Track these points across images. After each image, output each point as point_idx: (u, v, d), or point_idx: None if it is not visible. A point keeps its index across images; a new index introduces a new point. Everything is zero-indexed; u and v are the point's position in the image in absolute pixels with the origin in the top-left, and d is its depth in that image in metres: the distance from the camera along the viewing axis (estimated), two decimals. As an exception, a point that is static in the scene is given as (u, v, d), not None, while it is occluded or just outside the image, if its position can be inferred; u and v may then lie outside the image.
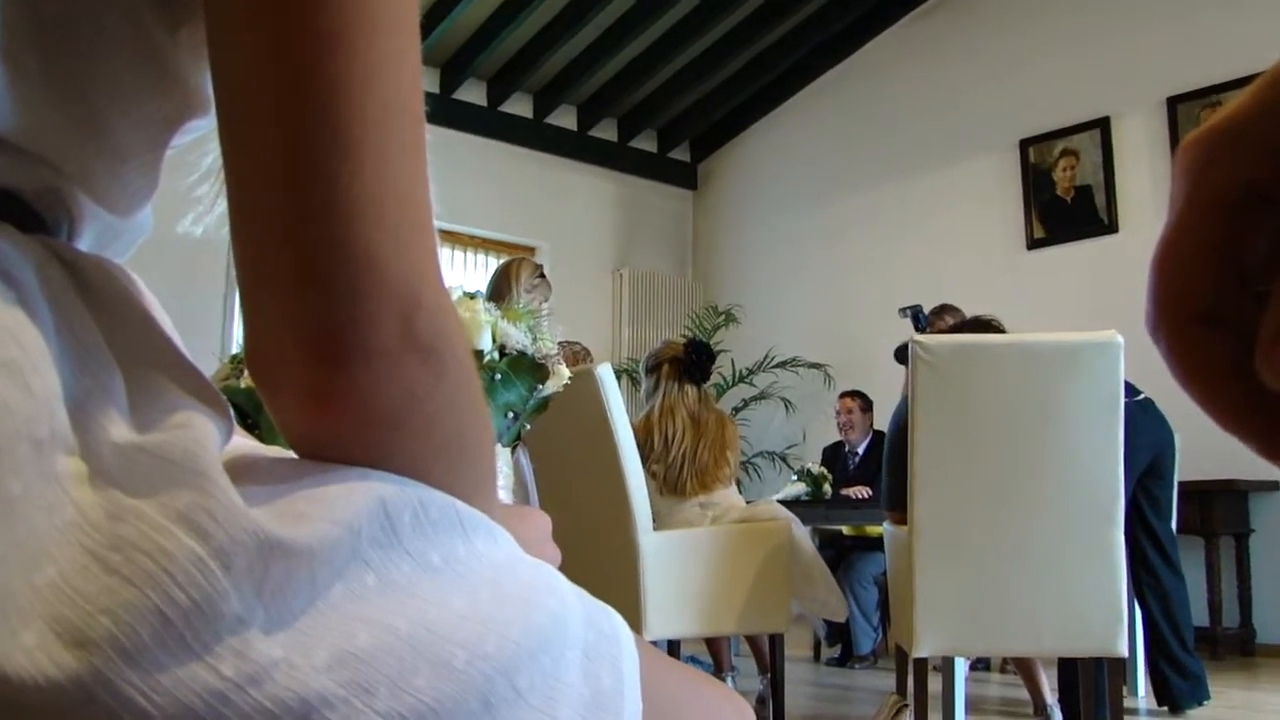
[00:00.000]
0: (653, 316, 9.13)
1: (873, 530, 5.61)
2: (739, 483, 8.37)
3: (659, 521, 3.75)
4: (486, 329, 1.01)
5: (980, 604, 3.03)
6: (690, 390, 4.02)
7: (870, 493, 5.67)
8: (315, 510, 0.50)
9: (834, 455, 6.54)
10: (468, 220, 8.14)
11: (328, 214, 0.50)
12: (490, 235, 8.34)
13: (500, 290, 4.35)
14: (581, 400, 3.51)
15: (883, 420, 6.02)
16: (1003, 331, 3.53)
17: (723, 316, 8.86)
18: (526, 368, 1.05)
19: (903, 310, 5.23)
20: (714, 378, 8.70)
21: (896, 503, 3.40)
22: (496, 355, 1.05)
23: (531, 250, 8.63)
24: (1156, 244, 0.40)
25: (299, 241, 0.51)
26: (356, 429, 0.53)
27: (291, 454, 0.56)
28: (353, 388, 0.52)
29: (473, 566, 0.54)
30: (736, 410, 8.64)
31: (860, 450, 6.39)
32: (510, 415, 1.04)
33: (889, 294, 7.57)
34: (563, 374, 1.12)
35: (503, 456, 1.02)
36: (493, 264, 8.31)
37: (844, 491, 5.87)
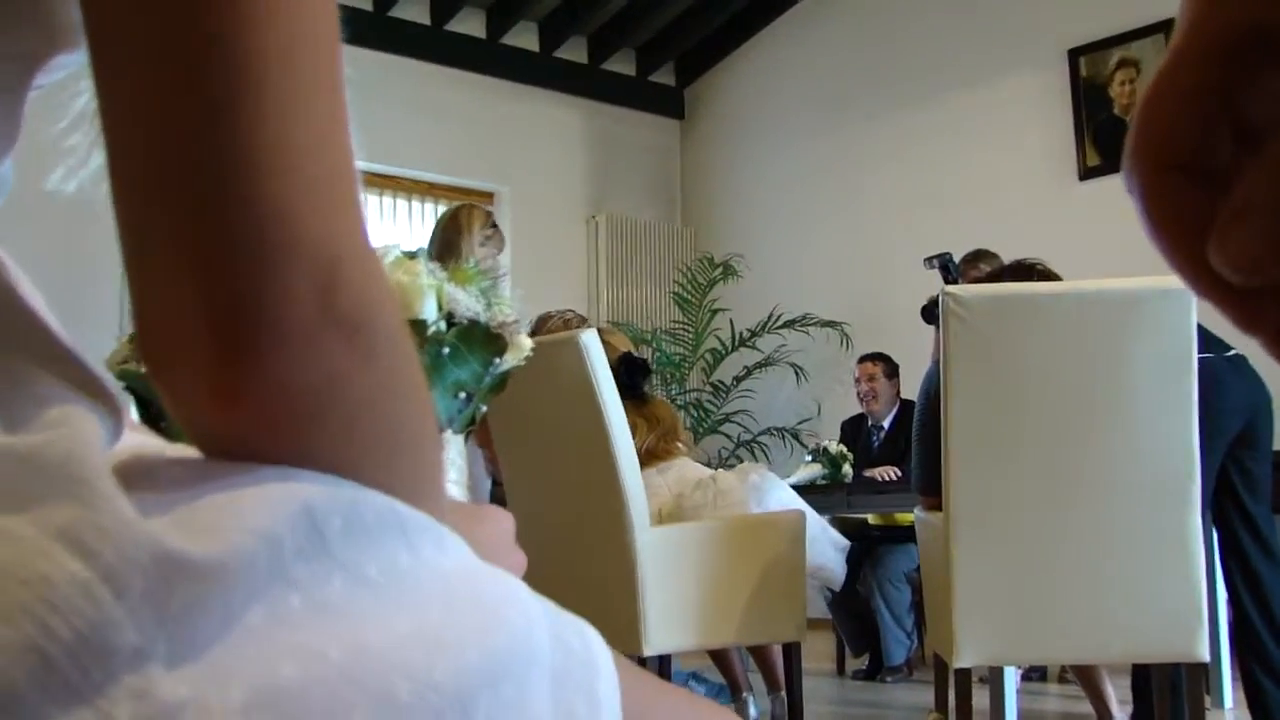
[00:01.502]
0: (635, 271, 9.15)
1: (904, 518, 5.63)
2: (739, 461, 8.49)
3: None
4: (430, 294, 1.01)
5: (1032, 603, 3.05)
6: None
7: (899, 474, 5.71)
8: (226, 520, 0.49)
9: (855, 431, 6.57)
10: (409, 162, 8.12)
11: (226, 166, 0.50)
12: (437, 179, 8.33)
13: (449, 245, 4.38)
14: (562, 373, 3.54)
15: (911, 388, 6.03)
16: (1051, 278, 3.54)
17: (719, 269, 8.88)
18: (480, 339, 1.04)
19: (929, 260, 5.25)
20: (711, 342, 8.74)
21: (929, 485, 3.42)
22: (444, 325, 1.05)
23: (488, 196, 8.62)
24: (1148, 83, 0.42)
25: (191, 201, 0.50)
26: (271, 422, 0.53)
27: (197, 453, 0.56)
28: (264, 374, 0.52)
29: (418, 579, 0.54)
30: (738, 379, 8.69)
31: (886, 424, 6.42)
32: (462, 396, 1.04)
33: (915, 239, 7.58)
34: (523, 345, 1.12)
35: (454, 445, 1.02)
36: (441, 213, 8.30)
37: (868, 473, 5.91)
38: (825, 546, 4.25)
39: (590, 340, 3.50)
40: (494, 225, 4.54)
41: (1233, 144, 0.42)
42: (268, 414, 0.52)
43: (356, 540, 0.53)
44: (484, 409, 1.12)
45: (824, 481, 5.78)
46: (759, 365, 8.69)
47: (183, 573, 0.46)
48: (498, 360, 1.09)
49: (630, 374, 4.13)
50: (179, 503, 0.50)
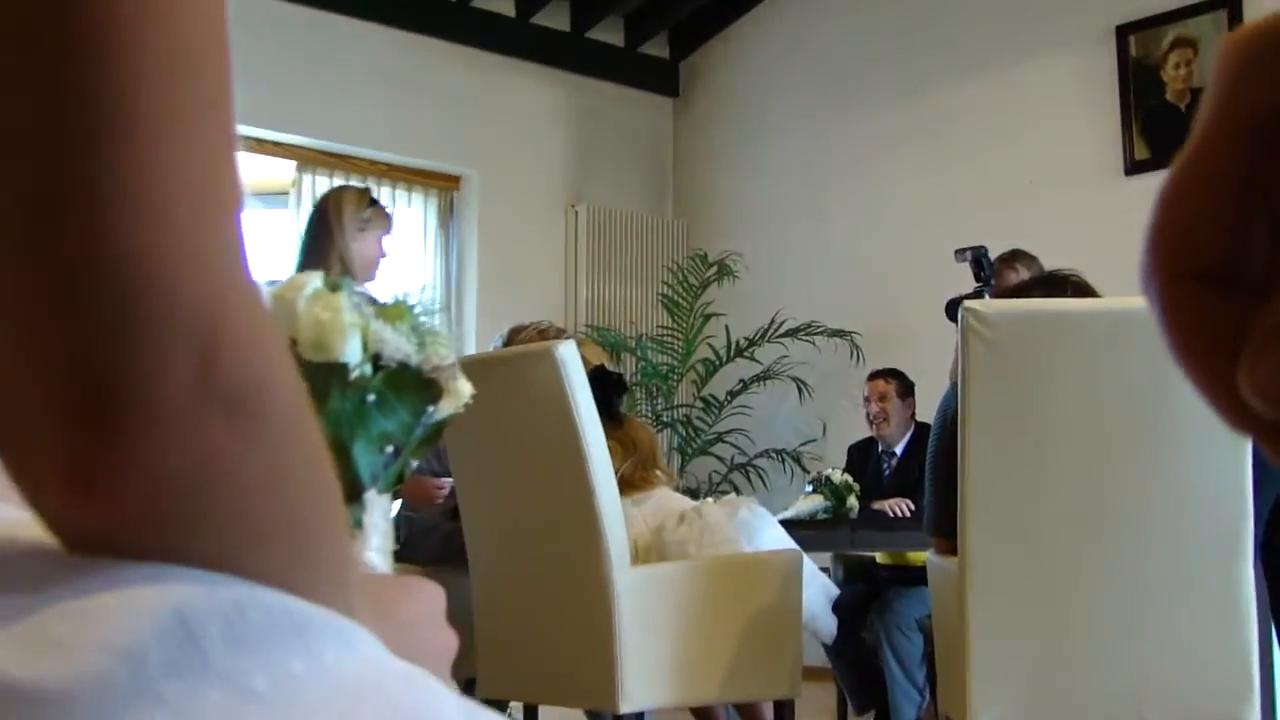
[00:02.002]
0: (620, 269, 9.17)
1: (916, 558, 5.61)
2: (735, 490, 8.49)
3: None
4: (354, 334, 0.99)
5: (1057, 662, 3.04)
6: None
7: (912, 508, 5.70)
8: (78, 633, 0.48)
9: (863, 457, 6.57)
10: (364, 140, 8.12)
11: (83, 210, 0.48)
12: (395, 160, 8.33)
13: (319, 241, 4.45)
14: (534, 390, 3.57)
15: (928, 410, 6.03)
16: (1087, 292, 3.53)
17: (714, 269, 8.89)
18: (410, 385, 1.03)
19: (961, 252, 5.25)
20: (703, 351, 8.75)
21: (942, 525, 3.41)
22: (369, 369, 1.04)
23: (453, 180, 8.63)
24: (1168, 173, 0.41)
25: (43, 250, 0.49)
26: (139, 515, 0.52)
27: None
28: (130, 460, 0.50)
29: (316, 689, 0.53)
30: (733, 394, 8.70)
31: (898, 450, 6.42)
32: (389, 450, 1.03)
33: (937, 239, 7.58)
34: (461, 391, 1.10)
35: (378, 507, 1.01)
36: (402, 201, 8.31)
37: (876, 506, 5.90)
38: (816, 594, 4.23)
39: (567, 353, 3.52)
40: (373, 203, 4.58)
41: (1271, 242, 0.40)
42: (135, 506, 0.51)
43: (241, 648, 0.51)
44: (414, 465, 1.10)
45: (826, 515, 5.77)
46: (757, 379, 8.71)
47: (19, 703, 0.45)
48: (431, 409, 1.07)
49: (604, 390, 4.13)
50: (23, 612, 0.49)
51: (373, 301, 1.09)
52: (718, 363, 8.80)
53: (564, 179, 9.17)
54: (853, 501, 5.87)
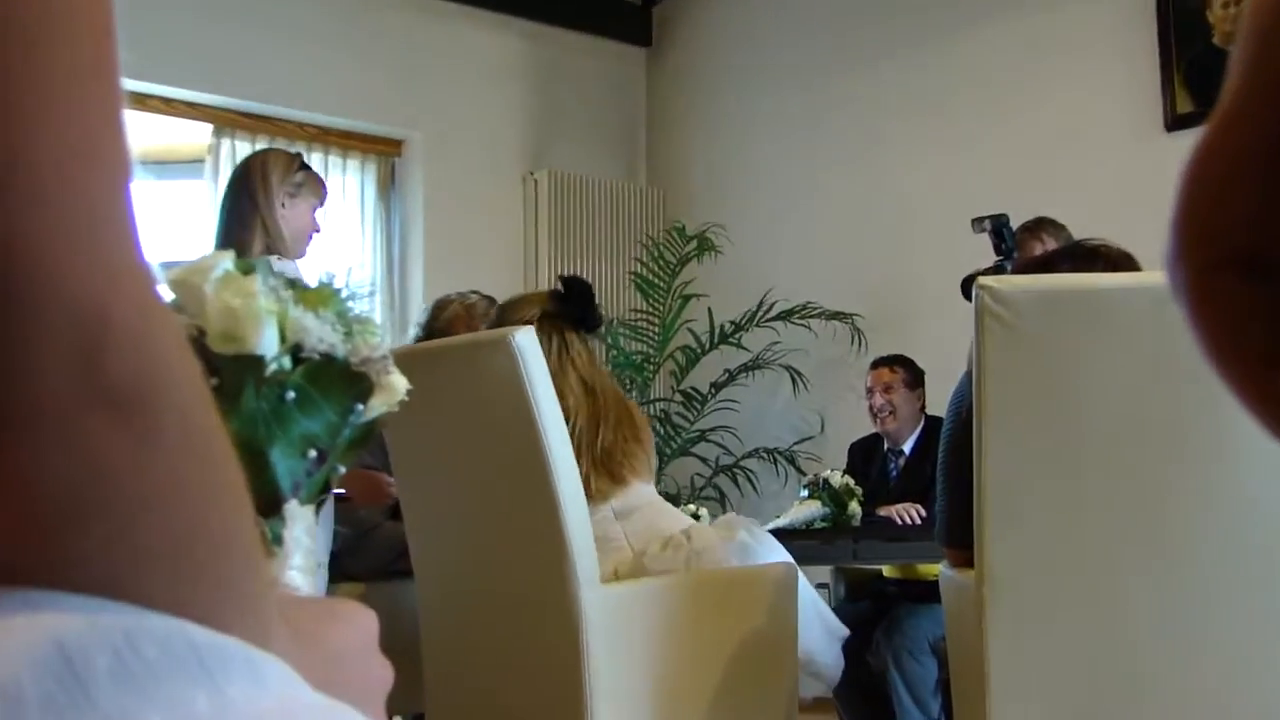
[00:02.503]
0: (586, 245, 9.18)
1: (928, 571, 5.65)
2: (720, 495, 8.48)
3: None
4: (270, 322, 0.98)
5: (1090, 695, 3.05)
6: (579, 347, 4.18)
7: (923, 514, 5.72)
8: (-58, 672, 0.48)
9: (867, 456, 6.60)
10: (290, 100, 8.10)
11: None
12: (330, 123, 8.31)
13: (241, 210, 4.47)
14: (488, 385, 3.60)
15: (940, 401, 6.06)
16: (1123, 265, 3.53)
17: (694, 243, 8.90)
18: (337, 379, 1.03)
19: (979, 222, 5.25)
20: (684, 337, 8.75)
21: (957, 534, 3.41)
22: (288, 362, 1.03)
23: (394, 145, 8.62)
24: (1193, 147, 0.41)
25: None
26: (14, 532, 0.51)
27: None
28: (4, 470, 0.51)
29: None
30: (717, 386, 8.71)
31: (906, 449, 6.46)
32: (312, 455, 1.02)
33: (950, 206, 7.61)
34: (395, 386, 1.10)
35: (300, 521, 1.00)
36: (336, 169, 8.28)
37: (882, 513, 5.92)
38: (816, 630, 4.22)
39: (525, 342, 3.52)
40: (304, 168, 4.59)
41: None
42: (9, 521, 0.51)
43: (131, 684, 0.52)
44: (341, 471, 1.10)
45: (824, 523, 5.78)
46: (745, 368, 8.73)
47: None
48: (360, 407, 1.07)
49: (573, 291, 4.20)
50: None
51: (294, 284, 1.08)
52: (699, 350, 8.82)
53: (521, 142, 9.18)
54: (855, 507, 5.89)
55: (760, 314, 8.62)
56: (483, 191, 8.91)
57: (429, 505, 4.04)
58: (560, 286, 4.21)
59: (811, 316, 8.47)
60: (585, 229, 9.22)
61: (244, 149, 7.62)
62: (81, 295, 0.50)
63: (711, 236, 8.86)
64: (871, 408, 6.56)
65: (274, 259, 4.21)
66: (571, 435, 3.84)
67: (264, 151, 4.86)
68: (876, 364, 6.65)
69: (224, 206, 4.63)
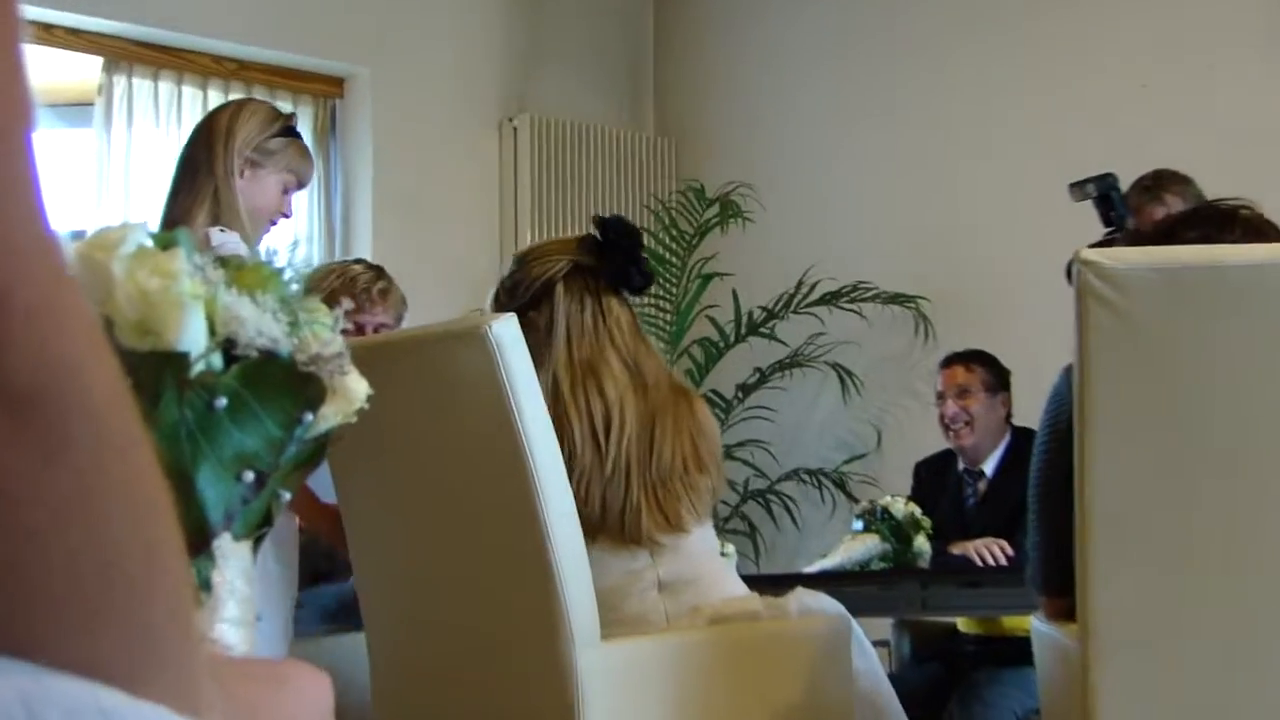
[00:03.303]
0: (579, 208, 9.17)
1: (1016, 625, 5.63)
2: (750, 528, 8.48)
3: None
4: (196, 310, 0.98)
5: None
6: (619, 314, 4.07)
7: (1010, 552, 5.71)
8: None
9: (936, 478, 6.60)
10: (206, 27, 8.08)
11: None
12: (253, 56, 8.29)
13: (191, 169, 4.40)
14: (458, 388, 3.60)
15: (1029, 409, 6.05)
16: (1266, 233, 3.51)
17: (715, 208, 8.92)
18: (279, 382, 1.02)
19: (1078, 186, 5.24)
20: (702, 327, 8.75)
21: (1053, 579, 3.41)
22: (218, 361, 1.03)
23: (334, 84, 8.60)
24: None
25: None
26: None
27: None
28: None
29: None
30: (746, 389, 8.72)
31: (988, 468, 6.44)
32: (249, 477, 1.02)
33: (1042, 154, 7.61)
34: (353, 391, 1.09)
35: (234, 562, 0.99)
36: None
37: (957, 549, 5.91)
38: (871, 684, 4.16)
39: (505, 333, 3.49)
40: (288, 132, 4.53)
41: None
42: None
43: None
44: (285, 497, 1.10)
45: (884, 564, 5.76)
46: (781, 366, 8.76)
47: None
48: (309, 416, 1.06)
49: (617, 235, 4.06)
50: None
51: (226, 263, 1.07)
52: (723, 344, 8.83)
53: (497, 80, 9.18)
54: (922, 543, 5.87)
55: (800, 297, 8.64)
56: (447, 142, 8.90)
57: (381, 542, 4.03)
58: (595, 231, 4.10)
59: (864, 300, 8.48)
60: (577, 189, 9.22)
61: (143, 88, 7.64)
62: None
63: (738, 199, 8.88)
64: (942, 417, 6.53)
65: (216, 230, 4.14)
66: (612, 445, 3.80)
67: (242, 101, 4.80)
68: (949, 361, 6.62)
69: (176, 165, 4.56)
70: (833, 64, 8.93)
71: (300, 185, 4.60)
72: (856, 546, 5.88)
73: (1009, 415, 6.49)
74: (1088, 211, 5.21)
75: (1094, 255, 3.01)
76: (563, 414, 3.92)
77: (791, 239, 8.83)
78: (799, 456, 8.76)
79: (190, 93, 8.12)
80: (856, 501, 7.69)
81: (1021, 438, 6.28)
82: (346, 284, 5.04)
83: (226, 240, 4.09)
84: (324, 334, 1.09)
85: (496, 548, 3.62)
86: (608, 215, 4.14)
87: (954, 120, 8.40)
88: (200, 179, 4.39)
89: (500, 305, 4.11)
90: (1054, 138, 7.76)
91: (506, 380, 3.49)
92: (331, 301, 4.41)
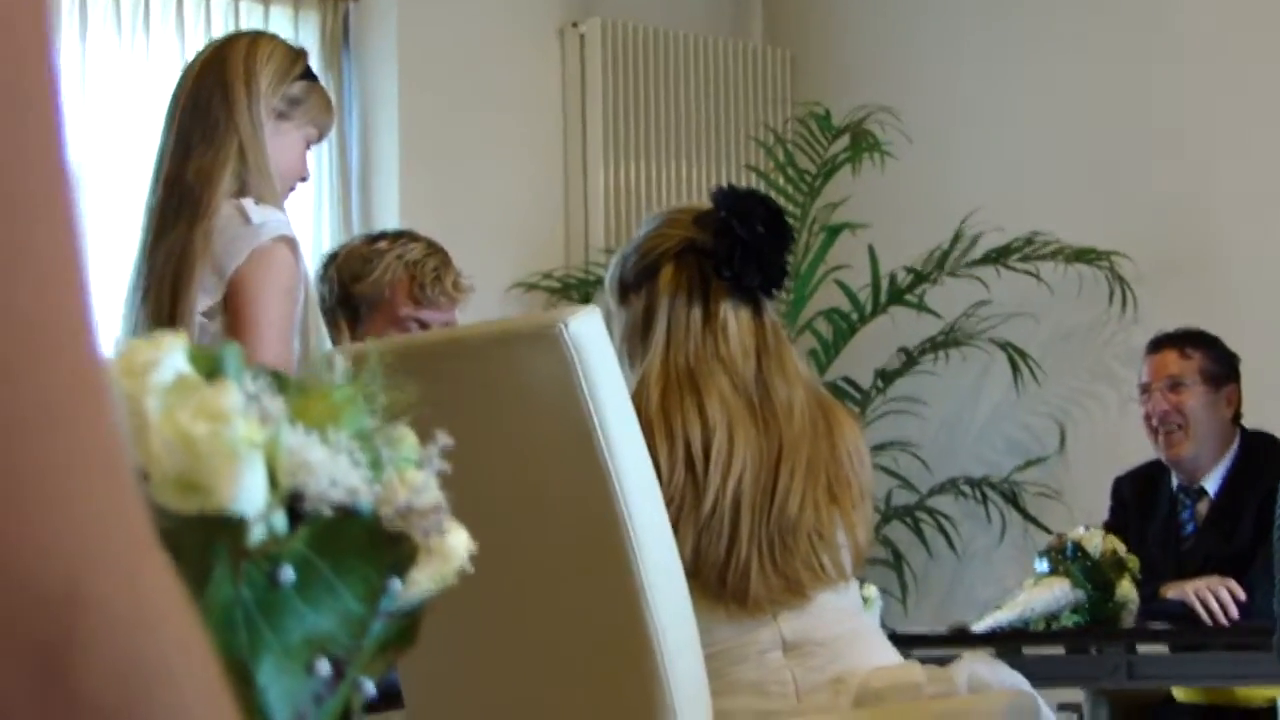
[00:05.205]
0: (663, 137, 9.23)
1: (1253, 696, 5.64)
2: (895, 556, 8.49)
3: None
4: (254, 461, 0.97)
5: None
6: (729, 319, 4.05)
7: (1241, 598, 5.69)
8: None
9: (1143, 497, 6.58)
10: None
11: None
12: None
13: (208, 116, 4.38)
14: (529, 402, 3.61)
15: (1264, 408, 6.04)
16: None
17: (844, 138, 8.92)
18: (359, 544, 1.02)
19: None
20: (829, 294, 8.76)
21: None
22: (282, 522, 1.02)
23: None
24: None
25: None
26: None
27: None
28: None
29: None
30: (887, 376, 8.76)
31: (1211, 485, 6.41)
32: (322, 667, 1.02)
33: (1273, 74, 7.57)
34: (453, 550, 1.09)
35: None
36: (255, 20, 8.29)
37: (1170, 593, 5.90)
38: None
39: (586, 331, 3.48)
40: (308, 75, 4.53)
41: None
42: None
43: None
44: (369, 689, 1.10)
45: (1077, 617, 5.75)
46: (933, 346, 8.79)
47: None
48: (396, 584, 1.06)
49: (741, 219, 4.01)
50: None
51: (283, 383, 1.06)
52: (856, 316, 8.86)
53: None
54: (1128, 590, 5.84)
55: (957, 255, 8.65)
56: (494, 53, 8.95)
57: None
58: (722, 200, 4.06)
59: (1042, 258, 8.49)
60: (663, 114, 9.27)
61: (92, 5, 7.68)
62: (41, 572, 0.52)
63: (874, 129, 8.86)
64: (1149, 418, 6.51)
65: (250, 204, 4.14)
66: (712, 479, 3.79)
67: (252, 34, 4.81)
68: (1157, 345, 6.59)
69: (175, 111, 4.51)
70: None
71: (320, 139, 4.62)
72: (1041, 594, 5.86)
73: (1237, 415, 6.47)
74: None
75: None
76: (649, 430, 3.92)
77: (946, 179, 8.86)
78: (957, 462, 8.79)
79: (155, 8, 8.17)
80: (1034, 523, 7.70)
81: (1255, 445, 6.28)
82: (410, 269, 5.06)
83: (269, 219, 4.11)
84: (415, 477, 1.08)
85: (575, 610, 3.63)
86: (729, 186, 4.11)
87: (1169, 27, 8.37)
88: (220, 133, 4.34)
89: (620, 274, 4.13)
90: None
91: (587, 392, 3.48)
92: (393, 294, 4.38)
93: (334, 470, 1.03)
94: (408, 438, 1.13)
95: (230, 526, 0.99)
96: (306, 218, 7.81)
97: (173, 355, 1.02)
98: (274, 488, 1.02)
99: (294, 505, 1.03)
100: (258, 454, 1.00)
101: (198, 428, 0.98)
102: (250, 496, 1.00)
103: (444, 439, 1.18)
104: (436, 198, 8.25)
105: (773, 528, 3.87)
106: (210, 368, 1.03)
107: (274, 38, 4.67)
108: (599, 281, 8.18)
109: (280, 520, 1.03)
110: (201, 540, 0.99)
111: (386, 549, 1.05)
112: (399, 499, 1.07)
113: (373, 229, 8.17)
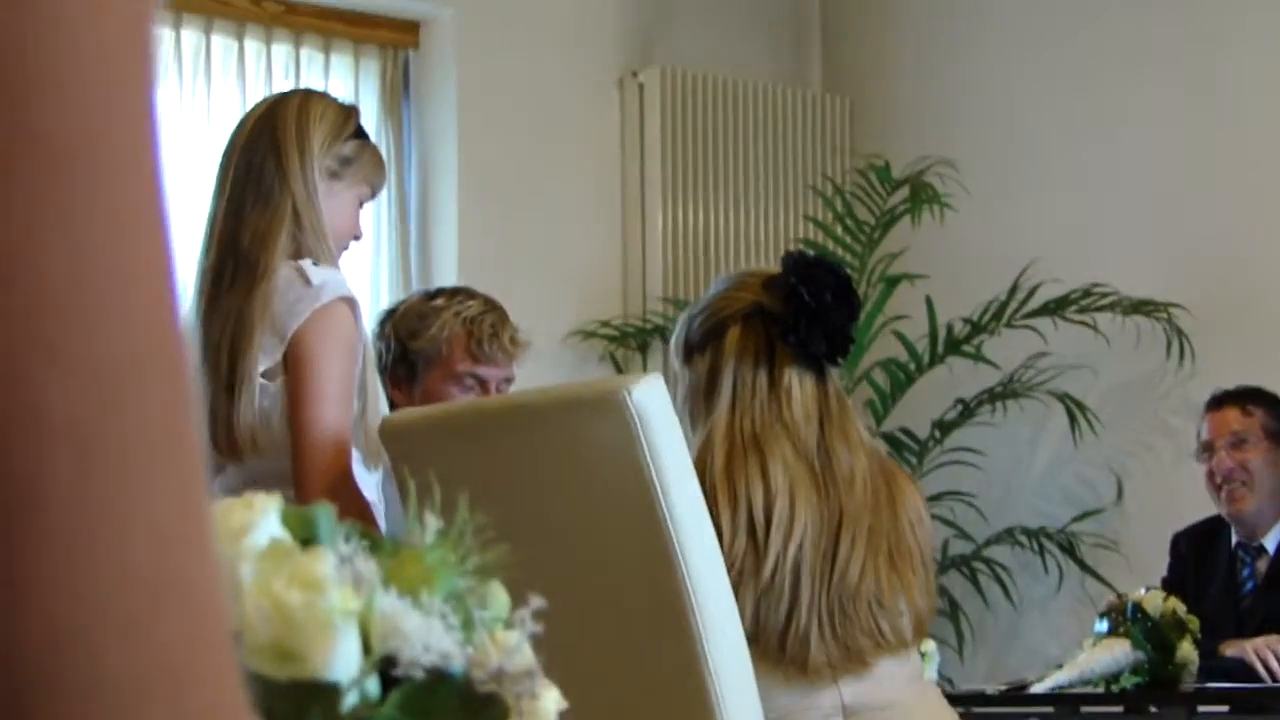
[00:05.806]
0: (721, 185, 9.19)
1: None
2: (951, 605, 8.46)
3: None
4: (348, 629, 0.97)
5: None
6: (793, 386, 4.04)
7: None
8: None
9: (1203, 554, 6.53)
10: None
11: None
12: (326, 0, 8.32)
13: (261, 178, 4.35)
14: (593, 470, 3.61)
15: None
16: None
17: (903, 189, 8.89)
18: (452, 707, 1.01)
19: None
20: (887, 344, 8.74)
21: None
22: (374, 686, 1.02)
23: (408, 31, 8.63)
24: None
25: None
26: None
27: None
28: None
29: None
30: (943, 428, 8.69)
31: (1271, 544, 6.36)
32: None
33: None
34: (546, 712, 1.09)
35: None
36: (317, 69, 8.30)
37: (1230, 652, 5.86)
38: None
39: (649, 399, 3.47)
40: (360, 134, 4.51)
41: None
42: None
43: None
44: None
45: (1137, 678, 5.71)
46: (991, 397, 8.77)
47: None
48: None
49: (810, 290, 3.98)
50: None
51: (375, 546, 1.06)
52: (914, 366, 8.85)
53: (618, 24, 9.22)
54: (1188, 651, 5.80)
55: (1015, 306, 8.63)
56: (554, 102, 8.94)
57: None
58: (793, 266, 4.04)
59: (1100, 309, 8.47)
60: (722, 163, 9.25)
61: (163, 39, 7.66)
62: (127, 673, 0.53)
63: (933, 181, 8.85)
64: (1211, 475, 6.47)
65: (309, 264, 4.12)
66: (773, 545, 3.76)
67: (303, 93, 4.79)
68: (1219, 401, 6.56)
69: (226, 170, 4.48)
70: (1058, 13, 8.89)
71: (372, 197, 4.60)
72: (1100, 655, 5.82)
73: (1300, 469, 6.42)
74: None
75: None
76: (713, 493, 3.90)
77: (1004, 231, 8.84)
78: (1014, 513, 8.75)
79: (222, 43, 8.20)
80: (1091, 575, 7.66)
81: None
82: (468, 325, 5.05)
83: (328, 280, 4.09)
84: (507, 638, 1.08)
85: (637, 677, 3.61)
86: (799, 251, 4.08)
87: (1229, 79, 8.35)
88: (274, 196, 4.30)
89: (685, 335, 4.12)
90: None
91: (650, 460, 3.46)
92: (450, 350, 4.38)
93: (427, 635, 1.03)
94: (500, 596, 1.12)
95: (324, 694, 0.98)
96: (364, 267, 7.80)
97: (266, 519, 1.01)
98: (367, 653, 1.02)
99: (386, 668, 1.03)
100: (352, 622, 0.99)
101: (293, 597, 0.97)
102: (344, 664, 0.99)
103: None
104: (495, 244, 8.24)
105: (833, 595, 3.85)
106: (304, 531, 1.03)
107: (325, 96, 4.65)
108: (656, 330, 8.20)
109: (373, 685, 1.03)
110: (295, 708, 0.98)
111: (478, 712, 1.04)
112: (491, 662, 1.06)
113: (431, 276, 8.23)
